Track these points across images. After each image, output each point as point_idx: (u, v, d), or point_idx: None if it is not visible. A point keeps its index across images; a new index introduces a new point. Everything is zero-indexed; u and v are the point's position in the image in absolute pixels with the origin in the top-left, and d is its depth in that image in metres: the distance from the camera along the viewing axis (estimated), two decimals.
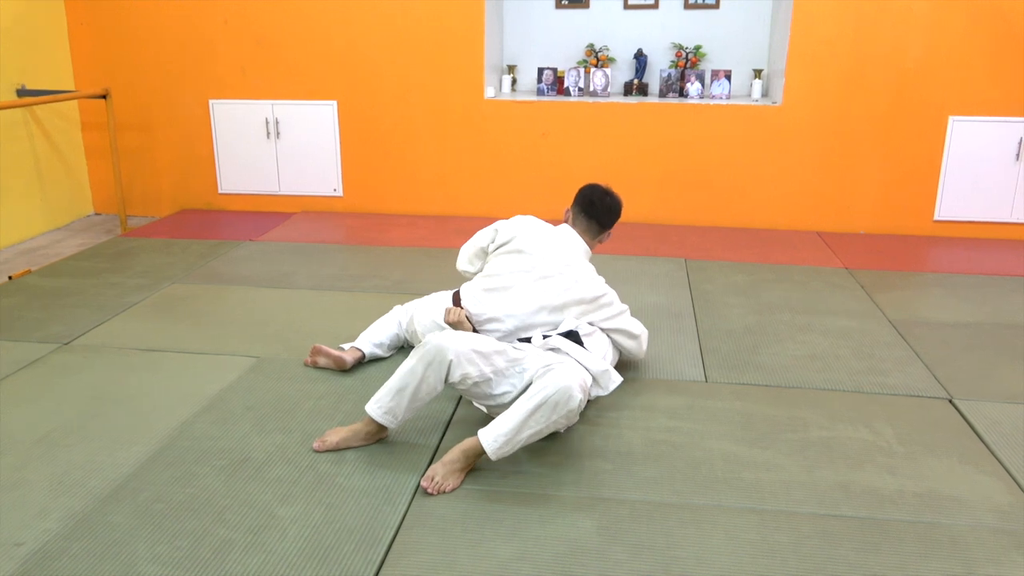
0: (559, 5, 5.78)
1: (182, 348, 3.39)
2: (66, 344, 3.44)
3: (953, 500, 2.38)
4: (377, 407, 2.54)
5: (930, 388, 3.10)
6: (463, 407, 2.88)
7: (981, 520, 2.28)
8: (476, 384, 2.54)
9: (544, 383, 2.41)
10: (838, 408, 2.93)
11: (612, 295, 3.03)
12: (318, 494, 2.36)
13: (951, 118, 5.10)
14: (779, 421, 2.83)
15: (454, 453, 2.43)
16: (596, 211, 3.08)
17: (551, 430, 2.44)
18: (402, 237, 5.14)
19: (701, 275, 4.42)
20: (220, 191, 5.88)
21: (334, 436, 2.61)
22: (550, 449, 2.61)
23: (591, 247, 3.11)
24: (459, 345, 2.49)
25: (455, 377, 2.50)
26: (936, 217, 5.27)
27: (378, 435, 2.61)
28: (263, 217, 5.65)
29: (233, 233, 5.24)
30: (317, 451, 2.58)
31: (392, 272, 4.39)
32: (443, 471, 2.40)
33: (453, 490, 2.38)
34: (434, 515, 2.27)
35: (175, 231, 5.30)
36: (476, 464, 2.47)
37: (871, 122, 5.18)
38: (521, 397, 2.44)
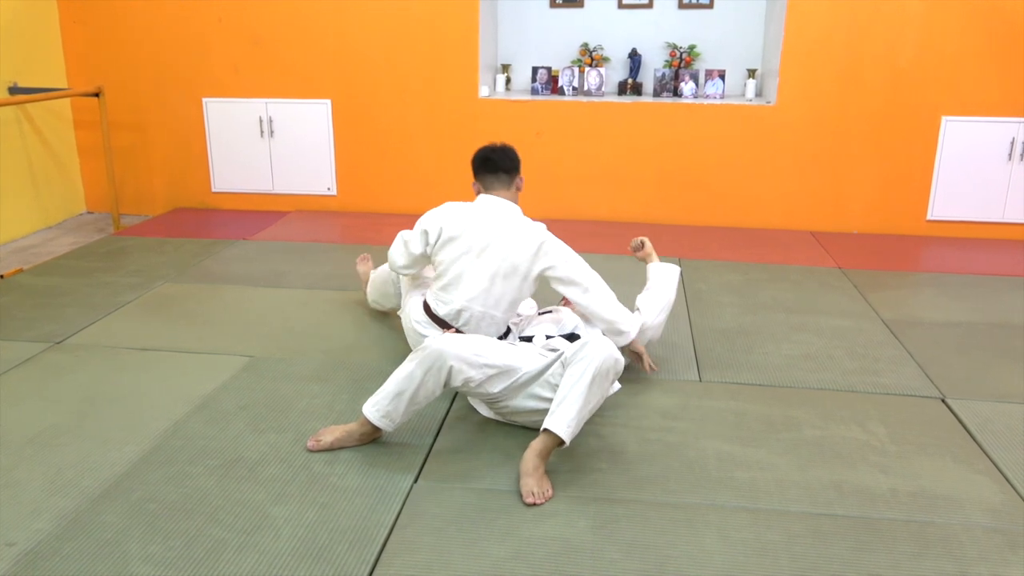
0: (553, 4, 5.77)
1: (175, 347, 3.38)
2: (58, 343, 3.42)
3: (946, 499, 2.38)
4: (375, 410, 2.52)
5: (923, 387, 3.11)
6: (457, 407, 2.88)
7: (974, 519, 2.29)
8: (479, 385, 2.54)
9: (587, 358, 2.39)
10: (831, 407, 2.94)
11: (557, 243, 2.93)
12: (312, 494, 2.36)
13: (944, 118, 5.12)
14: (773, 420, 2.83)
15: (533, 460, 2.37)
16: (495, 164, 3.00)
17: (605, 397, 2.52)
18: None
19: (695, 274, 4.42)
20: (214, 190, 5.87)
21: (328, 436, 2.60)
22: None
23: (516, 201, 3.04)
24: (460, 350, 2.46)
25: (457, 382, 2.48)
26: (929, 217, 5.29)
27: (373, 436, 2.60)
28: (257, 216, 5.63)
29: (227, 232, 5.23)
30: (311, 450, 2.58)
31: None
32: (535, 481, 2.35)
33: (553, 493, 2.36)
34: (428, 514, 2.27)
35: (168, 230, 5.28)
36: (476, 464, 2.48)
37: (865, 122, 5.19)
38: (569, 378, 2.39)
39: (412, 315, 3.08)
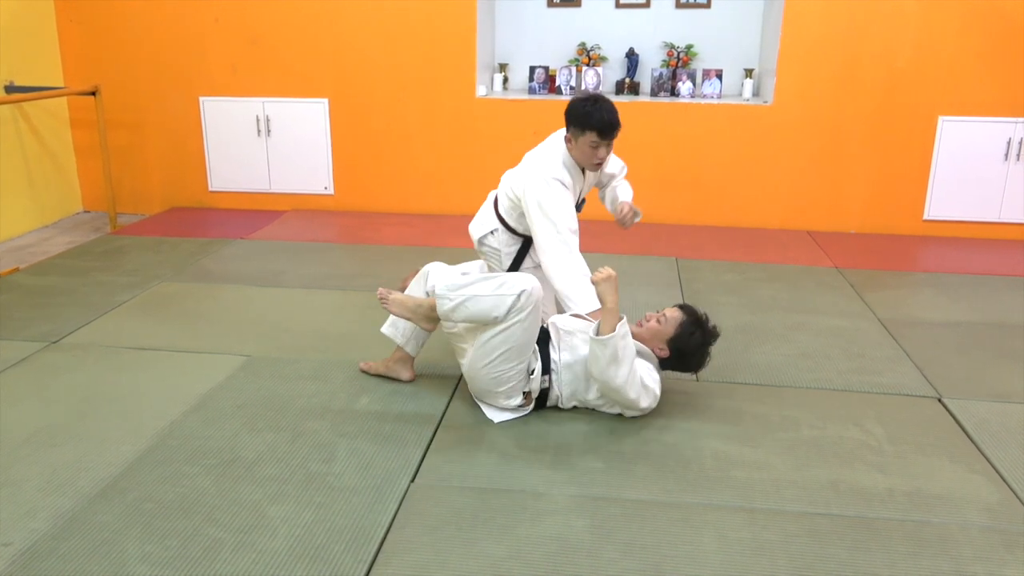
0: (551, 4, 5.77)
1: (172, 347, 3.38)
2: (55, 343, 3.42)
3: (942, 499, 2.39)
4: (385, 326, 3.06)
5: (920, 387, 3.11)
6: (454, 408, 2.88)
7: (970, 518, 2.30)
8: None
9: (511, 274, 2.74)
10: (828, 407, 2.94)
11: (535, 187, 3.04)
12: (309, 493, 2.35)
13: (941, 118, 5.12)
14: (770, 420, 2.84)
15: (419, 299, 2.88)
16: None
17: (487, 308, 2.60)
18: (393, 236, 5.13)
19: (692, 274, 4.43)
20: (211, 189, 5.86)
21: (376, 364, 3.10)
22: (541, 447, 2.61)
23: (563, 142, 3.12)
24: (437, 265, 3.04)
25: (429, 286, 2.95)
26: (926, 217, 5.30)
27: (403, 363, 3.05)
28: (254, 215, 5.63)
29: (223, 231, 5.22)
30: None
31: (383, 271, 4.38)
32: (402, 300, 2.89)
33: (387, 310, 2.90)
34: (425, 514, 2.27)
35: (165, 229, 5.28)
36: (473, 463, 2.48)
37: (862, 122, 5.20)
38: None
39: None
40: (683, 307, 2.87)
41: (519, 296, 2.58)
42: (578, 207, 3.26)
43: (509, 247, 3.28)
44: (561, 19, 5.80)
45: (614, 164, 3.48)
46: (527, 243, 3.26)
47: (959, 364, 3.32)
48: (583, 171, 3.18)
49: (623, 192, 3.47)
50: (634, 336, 2.80)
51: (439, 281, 2.85)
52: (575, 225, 3.08)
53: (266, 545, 2.12)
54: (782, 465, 2.55)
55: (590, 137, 3.00)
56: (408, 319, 2.91)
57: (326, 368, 3.18)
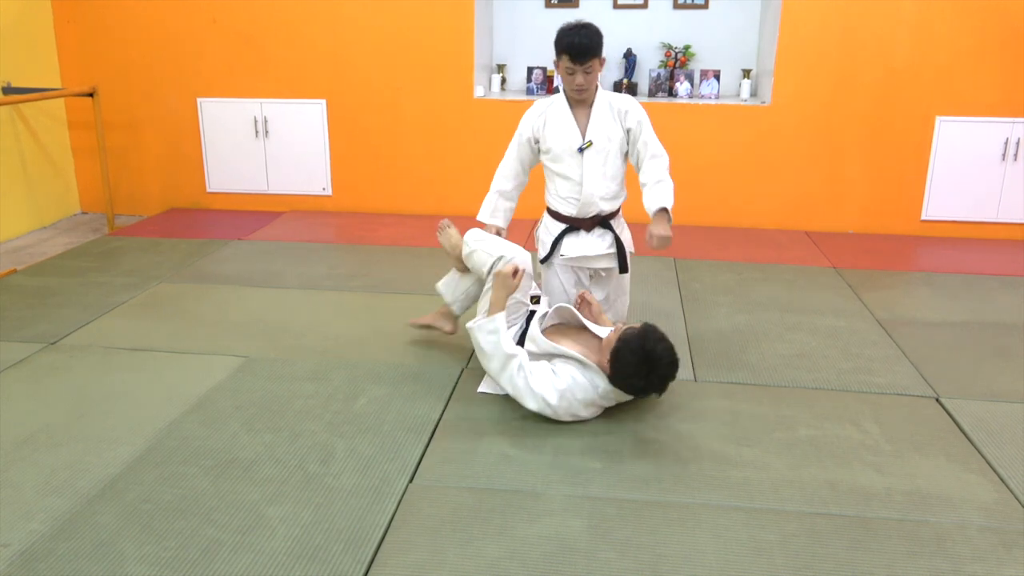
0: (549, 4, 5.78)
1: (170, 348, 3.38)
2: (52, 344, 3.42)
3: (940, 498, 2.39)
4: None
5: (917, 387, 3.12)
6: (453, 408, 2.89)
7: (967, 518, 2.30)
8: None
9: (507, 243, 2.99)
10: (826, 407, 2.94)
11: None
12: (307, 494, 2.36)
13: (938, 118, 5.13)
14: (767, 420, 2.84)
15: (459, 239, 3.18)
16: None
17: (480, 262, 2.97)
18: (391, 236, 5.13)
19: (690, 274, 4.43)
20: (208, 190, 5.86)
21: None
22: (539, 447, 2.61)
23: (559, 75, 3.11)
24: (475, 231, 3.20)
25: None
26: (923, 217, 5.31)
27: (448, 317, 3.28)
28: (251, 216, 5.63)
29: (221, 232, 5.22)
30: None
31: (381, 271, 4.38)
32: (452, 232, 3.28)
33: (438, 238, 3.31)
34: (423, 514, 2.27)
35: (163, 230, 5.27)
36: (471, 464, 2.49)
37: (859, 122, 5.21)
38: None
39: None
40: (644, 325, 2.66)
41: (497, 261, 2.91)
42: (581, 149, 3.22)
43: (545, 237, 3.32)
44: (559, 20, 5.70)
45: (641, 127, 3.26)
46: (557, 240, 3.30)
47: (956, 364, 3.33)
48: (586, 111, 3.15)
49: (656, 195, 3.22)
50: (604, 344, 2.70)
51: (472, 231, 3.13)
52: (511, 160, 3.35)
53: (264, 546, 2.13)
54: (780, 465, 2.55)
55: (564, 61, 3.01)
56: (449, 254, 3.26)
57: (324, 368, 3.18)
